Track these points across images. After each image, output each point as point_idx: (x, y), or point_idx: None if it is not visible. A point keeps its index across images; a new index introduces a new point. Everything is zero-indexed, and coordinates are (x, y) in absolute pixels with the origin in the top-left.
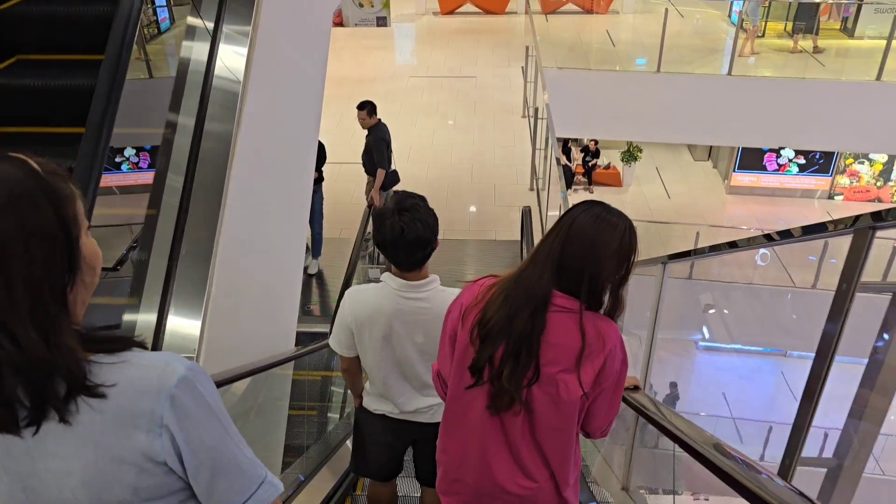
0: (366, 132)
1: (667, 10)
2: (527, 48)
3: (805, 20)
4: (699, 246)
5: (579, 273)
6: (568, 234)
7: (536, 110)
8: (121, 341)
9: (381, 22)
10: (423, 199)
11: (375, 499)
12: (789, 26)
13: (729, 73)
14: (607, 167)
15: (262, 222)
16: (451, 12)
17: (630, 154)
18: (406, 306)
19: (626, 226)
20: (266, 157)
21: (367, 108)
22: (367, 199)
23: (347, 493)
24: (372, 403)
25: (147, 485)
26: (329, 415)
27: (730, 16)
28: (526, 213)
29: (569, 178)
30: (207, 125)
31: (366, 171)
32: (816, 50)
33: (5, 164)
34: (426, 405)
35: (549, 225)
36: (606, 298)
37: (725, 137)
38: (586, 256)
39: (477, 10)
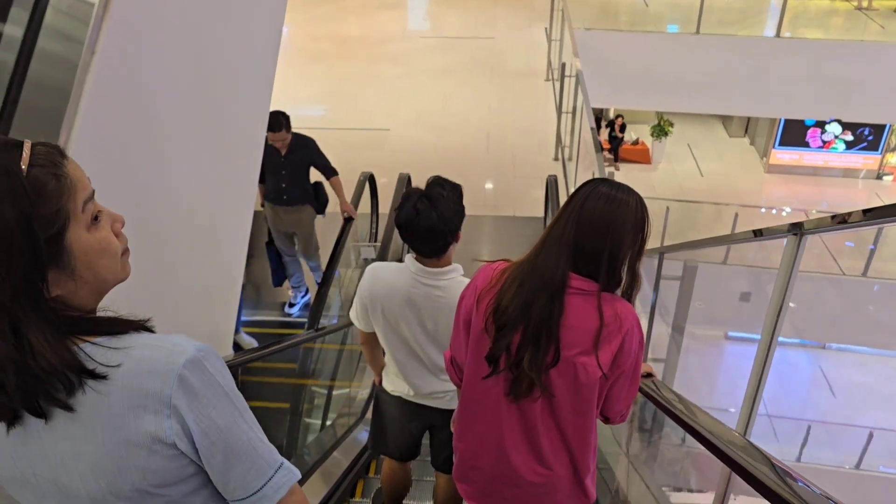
0: (282, 153)
1: None
2: (552, 2)
3: None
4: (738, 226)
5: (598, 254)
6: (579, 218)
7: (563, 66)
8: (122, 323)
9: None
10: (454, 189)
11: (390, 481)
12: None
13: (777, 35)
14: (635, 143)
15: (143, 191)
16: None
17: (661, 128)
18: (421, 291)
19: (636, 200)
20: (159, 99)
21: (285, 123)
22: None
23: (360, 475)
24: (389, 384)
25: (158, 468)
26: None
27: None
28: (551, 184)
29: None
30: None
31: (287, 203)
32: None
33: None
34: (442, 390)
35: None
36: (624, 275)
37: (772, 108)
38: (603, 237)
39: None
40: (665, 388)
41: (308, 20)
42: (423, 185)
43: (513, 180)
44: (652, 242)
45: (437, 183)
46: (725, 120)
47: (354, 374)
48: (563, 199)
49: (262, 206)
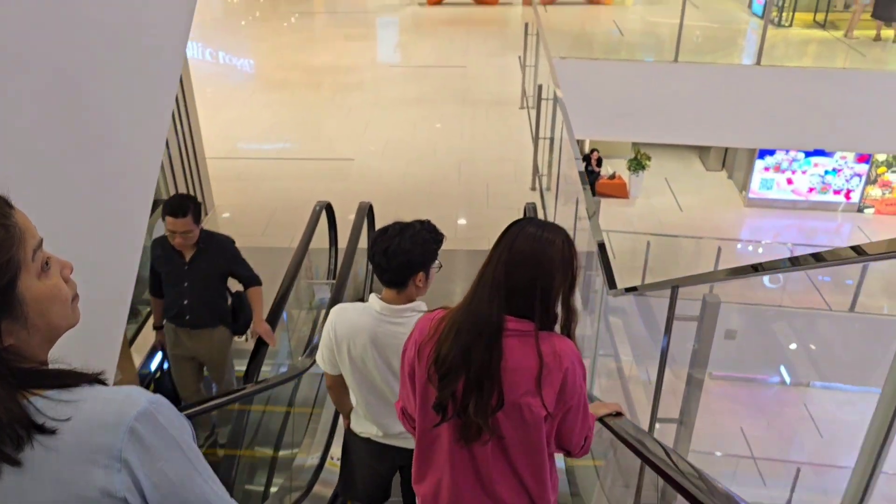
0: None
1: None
2: (525, 26)
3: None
4: (719, 263)
5: (531, 293)
6: (509, 259)
7: (539, 88)
8: (74, 376)
9: None
10: (432, 232)
11: None
12: (820, 17)
13: (757, 63)
14: (612, 177)
15: None
16: (439, 2)
17: (638, 162)
18: (385, 330)
19: (563, 238)
20: None
21: (191, 208)
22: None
23: None
24: (357, 426)
25: None
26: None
27: (750, 6)
28: (530, 212)
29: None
30: None
31: (192, 325)
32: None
33: None
34: None
35: None
36: (559, 312)
37: (753, 138)
38: (534, 276)
39: (467, 0)
40: (680, 459)
41: (273, 49)
42: (387, 217)
43: (487, 211)
44: (632, 279)
45: (421, 224)
46: (703, 153)
47: (304, 437)
48: None
49: (156, 327)
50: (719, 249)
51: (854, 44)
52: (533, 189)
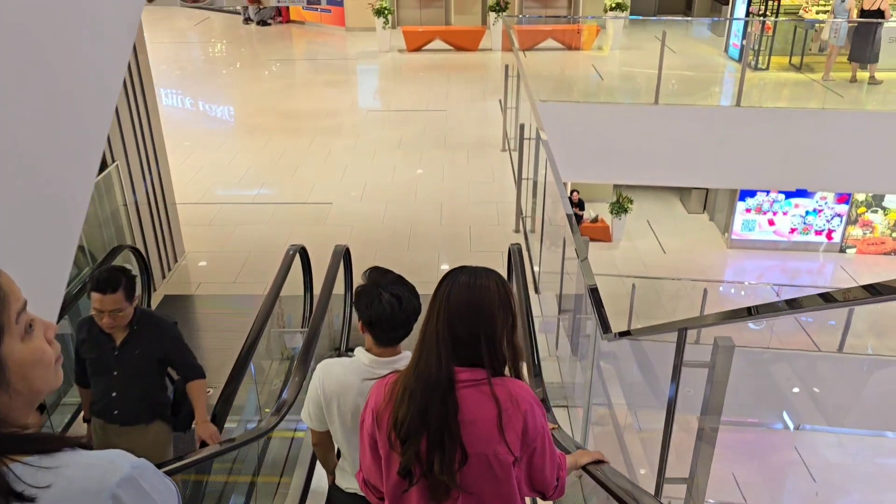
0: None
1: (664, 32)
2: (505, 68)
3: (865, 49)
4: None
5: (476, 340)
6: (448, 312)
7: (521, 127)
8: (55, 441)
9: None
10: (392, 272)
11: None
12: (795, 60)
13: (738, 104)
14: (595, 220)
15: None
16: (419, 49)
17: (620, 205)
18: (377, 378)
19: (496, 280)
20: None
21: (122, 282)
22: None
23: None
24: (344, 481)
25: None
26: None
27: (726, 50)
28: (515, 253)
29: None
30: None
31: (122, 421)
32: (873, 81)
33: None
34: None
35: (543, 280)
36: (506, 352)
37: (735, 179)
38: (476, 323)
39: (447, 46)
40: None
41: (252, 96)
42: (366, 261)
43: (471, 255)
44: (619, 323)
45: (384, 271)
46: (683, 196)
47: None
48: (528, 271)
49: (86, 420)
50: (705, 291)
51: (831, 85)
52: (517, 231)
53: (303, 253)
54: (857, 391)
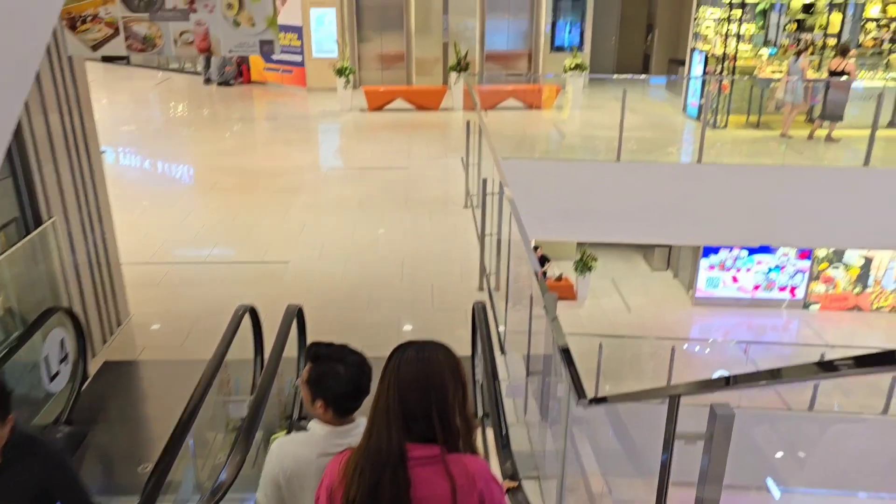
0: None
1: (625, 90)
2: (467, 124)
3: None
4: (675, 362)
5: (427, 414)
6: (398, 387)
7: (484, 182)
8: None
9: (267, 48)
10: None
11: None
12: (753, 118)
13: (699, 161)
14: (559, 279)
15: None
16: (380, 108)
17: (584, 263)
18: (334, 451)
19: (444, 352)
20: None
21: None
22: None
23: None
24: None
25: None
26: None
27: (684, 109)
28: (479, 311)
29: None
30: None
31: None
32: (829, 139)
33: None
34: None
35: (509, 339)
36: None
37: (697, 236)
38: (427, 397)
39: (409, 106)
40: None
41: (209, 154)
42: (324, 322)
43: (433, 313)
44: (587, 383)
45: (325, 345)
46: (647, 254)
47: None
48: (493, 331)
49: None
50: (673, 350)
51: (789, 142)
52: (481, 289)
53: (252, 313)
54: (828, 450)
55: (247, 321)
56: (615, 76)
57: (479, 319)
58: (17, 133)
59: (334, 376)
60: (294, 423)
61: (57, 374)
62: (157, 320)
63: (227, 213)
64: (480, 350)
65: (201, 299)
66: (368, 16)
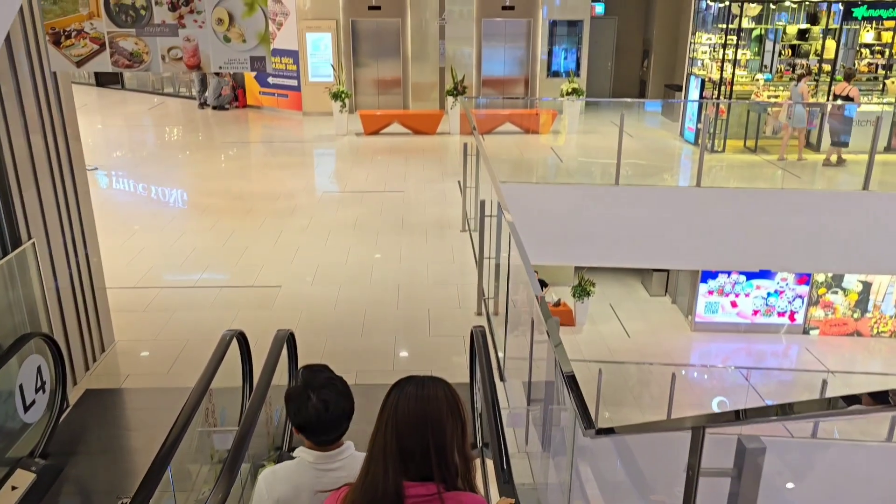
0: None
1: (623, 114)
2: (464, 146)
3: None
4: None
5: (425, 452)
6: (396, 424)
7: (482, 203)
8: None
9: (258, 64)
10: (328, 368)
11: None
12: (750, 143)
13: (698, 185)
14: (557, 304)
15: None
16: (376, 132)
17: (582, 289)
18: (325, 478)
19: (444, 388)
20: None
21: None
22: None
23: None
24: None
25: None
26: None
27: (681, 133)
28: (478, 336)
29: None
30: None
31: None
32: (840, 162)
33: None
34: None
35: (508, 366)
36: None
37: (697, 260)
38: (424, 434)
39: (405, 130)
40: None
41: (203, 177)
42: (317, 347)
43: (429, 339)
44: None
45: (315, 371)
46: (645, 279)
47: None
48: (492, 357)
49: None
50: (673, 376)
51: (786, 165)
52: (479, 314)
53: (241, 339)
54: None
55: (235, 348)
56: (612, 100)
57: (478, 345)
58: None
59: (301, 404)
60: (284, 454)
61: (33, 403)
62: (142, 347)
63: (218, 236)
64: (480, 377)
65: (189, 325)
66: (364, 42)
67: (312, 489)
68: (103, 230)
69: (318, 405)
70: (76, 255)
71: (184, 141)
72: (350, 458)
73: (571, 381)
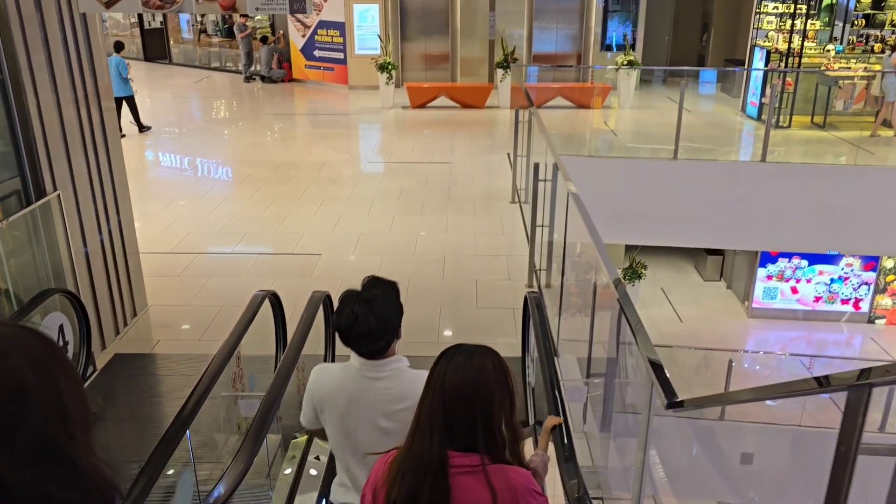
0: None
1: (684, 82)
2: (516, 112)
3: None
4: (730, 375)
5: (471, 423)
6: (443, 394)
7: (536, 166)
8: None
9: (297, 5)
10: (391, 288)
11: None
12: (818, 119)
13: (763, 160)
14: (606, 287)
15: None
16: (423, 106)
17: (634, 271)
18: (367, 387)
19: (493, 358)
20: None
21: None
22: None
23: None
24: (337, 494)
25: None
26: None
27: (743, 109)
28: (533, 303)
29: None
30: None
31: None
32: None
33: None
34: None
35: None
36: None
37: (760, 240)
38: (472, 405)
39: (453, 104)
40: None
41: (245, 147)
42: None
43: (477, 312)
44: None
45: (373, 284)
46: (699, 263)
47: None
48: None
49: None
50: (731, 363)
51: (859, 141)
52: (529, 287)
53: (274, 300)
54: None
55: (268, 311)
56: (670, 68)
57: (533, 311)
58: (17, 93)
59: (341, 310)
60: None
61: None
62: (175, 312)
63: (258, 204)
64: (535, 348)
65: (224, 291)
66: (412, 13)
67: (351, 393)
68: (143, 196)
69: (350, 315)
70: (107, 216)
71: (228, 112)
72: (397, 371)
73: (657, 369)
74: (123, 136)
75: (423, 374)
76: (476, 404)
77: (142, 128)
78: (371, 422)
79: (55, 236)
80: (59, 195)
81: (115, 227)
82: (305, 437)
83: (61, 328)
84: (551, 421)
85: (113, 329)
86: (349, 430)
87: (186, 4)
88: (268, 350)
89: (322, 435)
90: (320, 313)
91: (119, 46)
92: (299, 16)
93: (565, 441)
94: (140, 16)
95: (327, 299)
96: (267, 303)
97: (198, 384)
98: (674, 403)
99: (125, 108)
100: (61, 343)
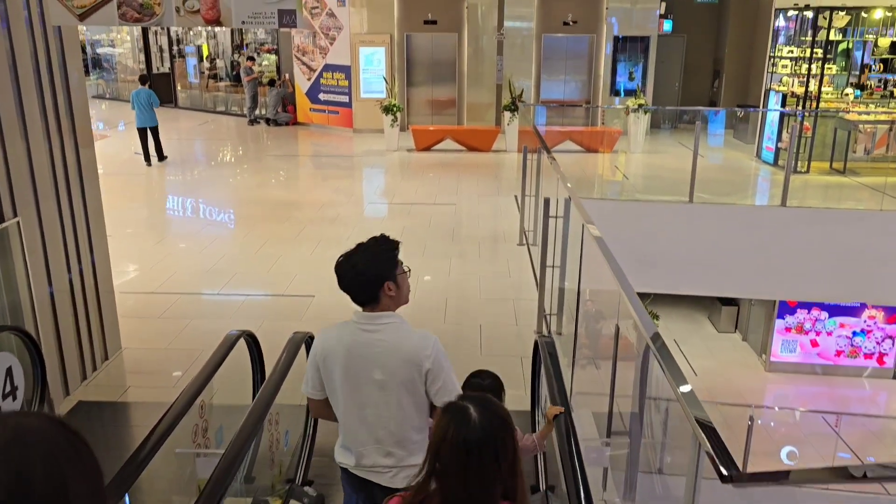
0: None
1: (698, 123)
2: (524, 154)
3: None
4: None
5: (493, 473)
6: (454, 449)
7: (546, 202)
8: None
9: (288, 19)
10: (387, 242)
11: None
12: (837, 164)
13: (783, 205)
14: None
15: None
16: (428, 148)
17: None
18: (363, 339)
19: (496, 412)
20: None
21: None
22: None
23: None
24: (338, 455)
25: None
26: None
27: (758, 154)
28: (545, 348)
29: None
30: None
31: None
32: None
33: None
34: (384, 465)
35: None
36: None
37: (778, 289)
38: (489, 455)
39: (458, 147)
40: None
41: (244, 187)
42: None
43: (481, 359)
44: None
45: (373, 238)
46: (713, 314)
47: None
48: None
49: None
50: (751, 419)
51: (881, 187)
52: (538, 333)
53: (250, 341)
54: None
55: (244, 353)
56: (683, 108)
57: (544, 357)
58: None
59: (339, 263)
60: (296, 489)
61: None
62: (151, 356)
63: (251, 243)
64: (546, 392)
65: (206, 334)
66: (419, 57)
67: (348, 345)
68: (129, 235)
69: (342, 257)
70: (78, 252)
71: (230, 153)
72: (390, 325)
73: (707, 430)
74: (149, 164)
75: (417, 332)
76: (493, 455)
77: (162, 156)
78: (368, 374)
79: (12, 267)
80: (18, 222)
81: (88, 263)
82: (280, 502)
83: (9, 370)
84: (553, 410)
85: (79, 374)
86: (346, 381)
87: (167, 17)
88: (245, 399)
89: (323, 413)
90: (301, 355)
91: (144, 79)
92: (305, 59)
93: None
94: (147, 60)
95: (310, 340)
96: (243, 345)
97: (147, 438)
98: (734, 477)
99: (149, 137)
100: (9, 388)
